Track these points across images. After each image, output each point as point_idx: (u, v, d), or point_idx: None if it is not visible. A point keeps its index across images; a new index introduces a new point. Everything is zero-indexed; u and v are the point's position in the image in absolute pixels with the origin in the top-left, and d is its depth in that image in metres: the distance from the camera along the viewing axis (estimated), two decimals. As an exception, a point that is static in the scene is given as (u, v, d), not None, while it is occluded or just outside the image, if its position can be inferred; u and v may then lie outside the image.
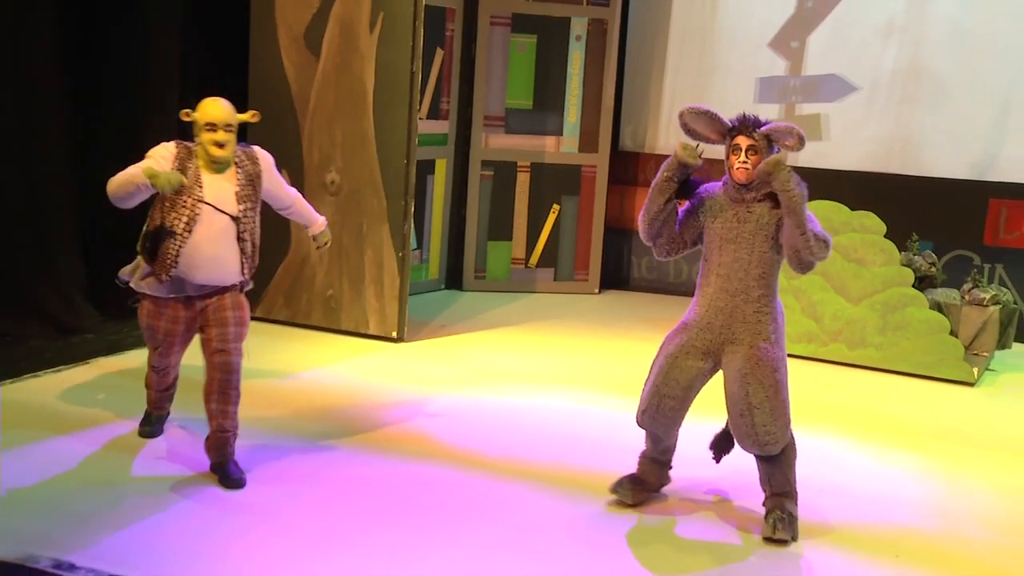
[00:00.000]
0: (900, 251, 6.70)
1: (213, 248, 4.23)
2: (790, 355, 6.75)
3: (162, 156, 4.23)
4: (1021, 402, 6.26)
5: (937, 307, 6.66)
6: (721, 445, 4.47)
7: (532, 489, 4.49)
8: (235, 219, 4.28)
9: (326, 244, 4.80)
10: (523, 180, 8.51)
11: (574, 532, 4.11)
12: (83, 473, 4.38)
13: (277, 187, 4.54)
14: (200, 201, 4.20)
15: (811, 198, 6.91)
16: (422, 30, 6.57)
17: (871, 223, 6.69)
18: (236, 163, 4.32)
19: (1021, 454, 5.34)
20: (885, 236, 6.65)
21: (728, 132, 4.08)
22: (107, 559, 3.66)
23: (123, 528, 3.91)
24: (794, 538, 4.10)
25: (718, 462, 4.47)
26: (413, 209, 6.77)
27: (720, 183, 4.17)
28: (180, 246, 4.20)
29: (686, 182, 4.12)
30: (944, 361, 6.50)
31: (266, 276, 6.96)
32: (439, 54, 8.01)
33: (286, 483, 4.40)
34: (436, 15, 7.82)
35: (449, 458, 4.80)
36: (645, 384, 4.24)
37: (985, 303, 6.69)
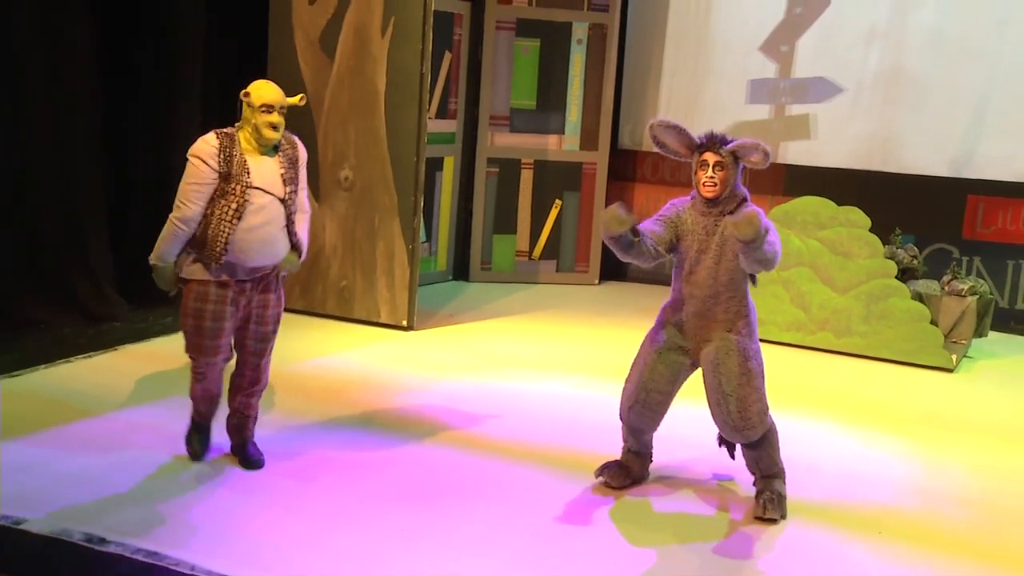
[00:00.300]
0: (884, 244, 6.69)
1: (264, 232, 4.05)
2: (780, 343, 6.85)
3: (208, 155, 4.01)
4: (997, 387, 6.26)
5: (918, 297, 6.65)
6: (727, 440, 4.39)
7: (535, 469, 4.50)
8: (283, 201, 4.10)
9: (285, 273, 4.33)
10: (527, 176, 8.50)
11: (574, 509, 4.11)
12: (113, 453, 4.40)
13: (301, 184, 4.35)
14: (249, 187, 4.02)
15: (800, 194, 7.04)
16: (431, 34, 6.56)
17: (856, 218, 6.69)
18: (277, 146, 4.15)
19: (996, 436, 5.35)
20: (870, 230, 6.65)
21: (696, 148, 4.02)
22: (135, 534, 3.68)
23: (150, 505, 3.93)
24: (783, 516, 4.11)
25: (733, 457, 4.36)
26: (422, 204, 6.77)
27: (688, 198, 4.13)
28: (230, 233, 4.01)
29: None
30: (925, 348, 6.50)
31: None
32: (447, 57, 8.00)
33: (303, 463, 4.41)
34: (444, 20, 7.80)
35: (456, 440, 4.81)
36: (627, 382, 4.21)
37: (963, 294, 6.68)
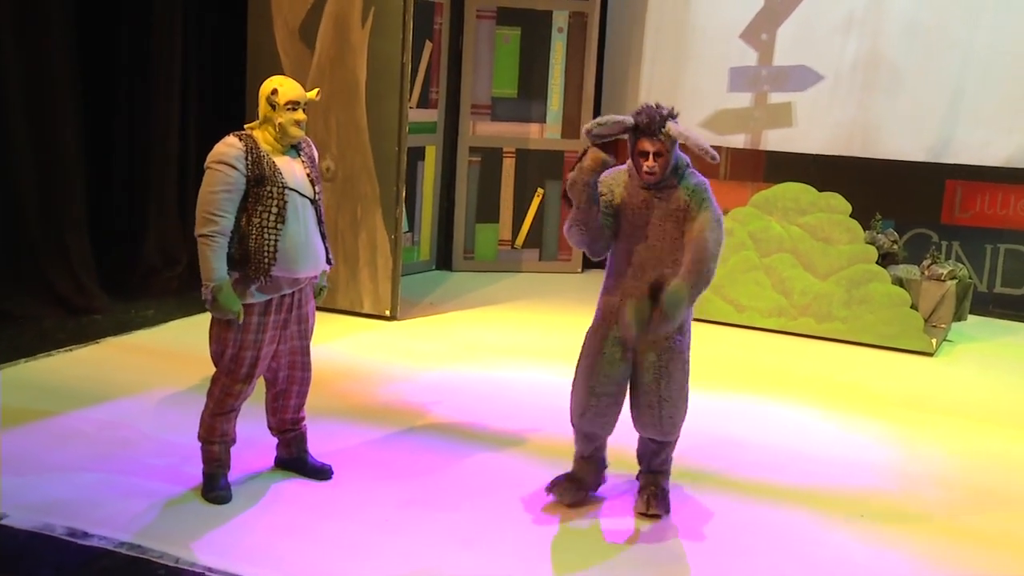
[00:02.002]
0: (864, 230, 6.71)
1: (305, 235, 3.78)
2: (761, 329, 6.88)
3: (235, 159, 3.69)
4: (977, 371, 6.30)
5: (898, 282, 6.68)
6: None
7: (519, 457, 4.50)
8: (313, 202, 3.86)
9: (326, 285, 4.09)
10: (509, 165, 8.48)
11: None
12: (95, 447, 4.37)
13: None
14: (286, 188, 3.74)
15: (780, 180, 7.05)
16: (411, 24, 6.52)
17: (837, 203, 6.70)
18: (297, 145, 3.89)
19: (976, 419, 5.38)
20: (850, 216, 6.67)
21: (633, 131, 3.64)
22: (119, 527, 3.65)
23: (133, 499, 3.90)
24: (667, 512, 3.96)
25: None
26: (405, 194, 6.75)
27: (624, 166, 3.81)
28: (277, 240, 3.70)
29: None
30: (905, 333, 6.53)
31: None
32: (428, 46, 7.96)
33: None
34: (425, 9, 7.76)
35: (440, 429, 4.80)
36: (574, 386, 3.93)
37: (943, 278, 6.72)
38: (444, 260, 8.50)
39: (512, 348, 6.21)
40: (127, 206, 7.14)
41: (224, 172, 3.68)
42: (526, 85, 8.38)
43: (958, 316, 6.84)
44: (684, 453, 4.55)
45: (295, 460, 4.20)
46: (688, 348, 3.88)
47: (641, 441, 4.02)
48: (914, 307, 6.59)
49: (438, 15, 8.02)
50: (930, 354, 6.50)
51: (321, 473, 4.17)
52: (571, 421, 3.97)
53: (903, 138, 7.69)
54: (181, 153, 7.21)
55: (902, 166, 7.75)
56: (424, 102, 8.02)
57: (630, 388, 3.88)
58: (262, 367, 3.90)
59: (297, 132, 3.82)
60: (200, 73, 7.32)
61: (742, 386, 5.64)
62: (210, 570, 3.42)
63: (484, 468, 4.36)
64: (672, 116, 3.63)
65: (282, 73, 6.72)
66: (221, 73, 7.40)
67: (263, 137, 3.80)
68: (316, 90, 3.99)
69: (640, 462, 4.07)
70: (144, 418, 4.71)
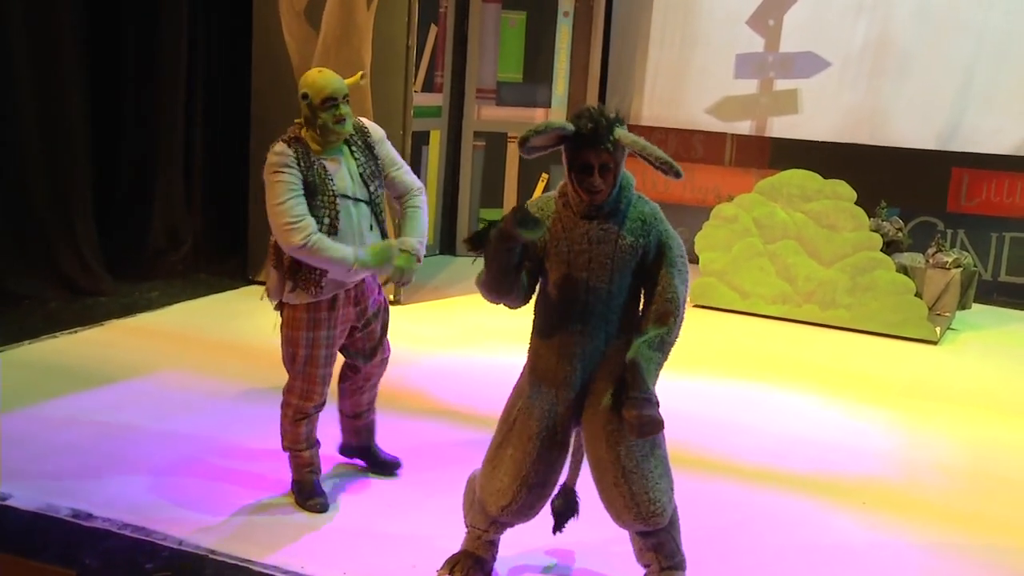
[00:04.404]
0: (869, 217, 6.69)
1: (358, 242, 3.57)
2: (765, 316, 6.86)
3: (287, 164, 3.47)
4: (980, 359, 6.28)
5: (903, 270, 6.66)
6: (566, 508, 3.30)
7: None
8: (369, 203, 3.62)
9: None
10: (513, 150, 8.45)
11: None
12: (99, 427, 4.37)
13: (389, 164, 3.72)
14: (337, 196, 3.51)
15: (786, 167, 7.01)
16: (417, 6, 6.50)
17: (843, 190, 6.68)
18: (345, 140, 3.61)
19: (979, 407, 5.37)
20: (855, 203, 6.64)
21: (572, 140, 2.87)
22: (123, 509, 3.66)
23: (137, 480, 3.91)
24: None
25: (558, 531, 3.33)
26: (409, 178, 6.72)
27: (556, 194, 3.04)
28: (322, 274, 3.52)
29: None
30: (909, 321, 6.51)
31: (268, 243, 6.91)
32: (433, 30, 7.92)
33: (291, 436, 4.39)
34: (430, -8, 7.73)
35: (443, 413, 4.80)
36: (494, 469, 3.11)
37: (948, 266, 6.69)
38: (448, 245, 8.48)
39: (514, 333, 6.15)
40: (133, 188, 7.13)
41: (282, 180, 3.46)
42: (531, 69, 8.34)
43: (962, 304, 6.82)
44: (687, 439, 4.55)
45: (363, 449, 4.05)
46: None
47: (632, 541, 3.17)
48: (918, 295, 6.57)
49: (443, -2, 7.99)
50: (934, 342, 6.48)
51: (388, 467, 4.01)
52: (482, 508, 3.17)
53: (912, 125, 7.64)
54: (187, 135, 7.19)
55: (908, 153, 7.71)
56: (429, 86, 7.99)
57: (588, 465, 3.08)
58: (333, 351, 3.71)
59: (342, 130, 3.54)
60: (206, 56, 7.30)
61: (746, 373, 5.63)
62: (213, 552, 3.43)
63: (483, 449, 4.35)
64: (620, 121, 2.88)
65: (287, 55, 6.72)
66: (227, 54, 7.37)
67: (311, 138, 3.55)
68: (360, 73, 3.78)
69: (644, 562, 3.16)
70: (148, 400, 4.71)
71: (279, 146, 3.53)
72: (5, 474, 3.81)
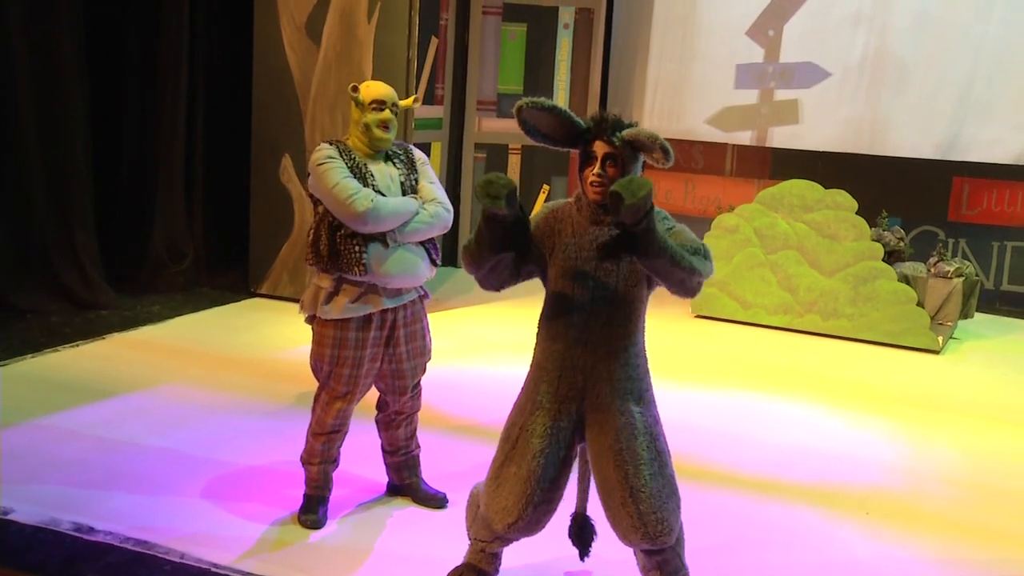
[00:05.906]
0: (871, 227, 6.70)
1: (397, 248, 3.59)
2: (767, 326, 6.86)
3: (332, 155, 3.54)
4: (983, 368, 6.28)
5: (905, 279, 6.66)
6: (584, 534, 3.33)
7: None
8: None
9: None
10: (514, 161, 8.47)
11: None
12: (101, 441, 4.37)
13: (423, 176, 3.77)
14: (376, 191, 3.55)
15: (787, 177, 7.03)
16: (417, 19, 6.52)
17: (844, 200, 6.69)
18: (389, 154, 3.70)
19: (982, 417, 5.36)
20: (856, 213, 6.65)
21: (581, 135, 3.03)
22: (125, 522, 3.65)
23: (139, 493, 3.90)
24: None
25: (585, 557, 3.34)
26: (410, 190, 6.73)
27: (572, 199, 3.13)
28: (360, 249, 3.52)
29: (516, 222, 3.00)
30: (911, 330, 6.51)
31: (271, 254, 6.92)
32: (434, 42, 7.94)
33: (290, 451, 4.38)
34: (431, 5, 7.74)
35: (445, 425, 4.80)
36: (497, 487, 3.07)
37: (949, 275, 6.69)
38: (449, 256, 8.49)
39: (515, 345, 6.16)
40: (134, 202, 7.15)
41: (332, 166, 3.52)
42: (532, 81, 8.37)
43: (964, 313, 6.82)
44: (689, 451, 4.55)
45: (406, 486, 3.97)
46: (658, 421, 3.03)
47: (637, 556, 3.12)
48: (920, 304, 6.57)
49: (444, 11, 8.01)
50: (936, 351, 6.47)
51: (433, 500, 3.92)
52: (487, 524, 3.13)
53: (911, 135, 7.67)
54: (188, 148, 7.22)
55: (909, 163, 7.73)
56: (430, 98, 8.01)
57: (595, 484, 3.06)
58: (363, 386, 3.70)
59: (382, 134, 3.59)
60: (207, 70, 7.33)
61: (748, 383, 5.63)
62: (215, 566, 3.42)
63: (487, 465, 4.34)
64: (628, 124, 3.01)
65: (288, 69, 6.75)
66: (228, 70, 7.40)
67: (354, 143, 3.64)
68: (413, 97, 3.85)
69: None
70: (150, 413, 4.70)
71: (322, 145, 3.62)
72: (6, 488, 3.81)
